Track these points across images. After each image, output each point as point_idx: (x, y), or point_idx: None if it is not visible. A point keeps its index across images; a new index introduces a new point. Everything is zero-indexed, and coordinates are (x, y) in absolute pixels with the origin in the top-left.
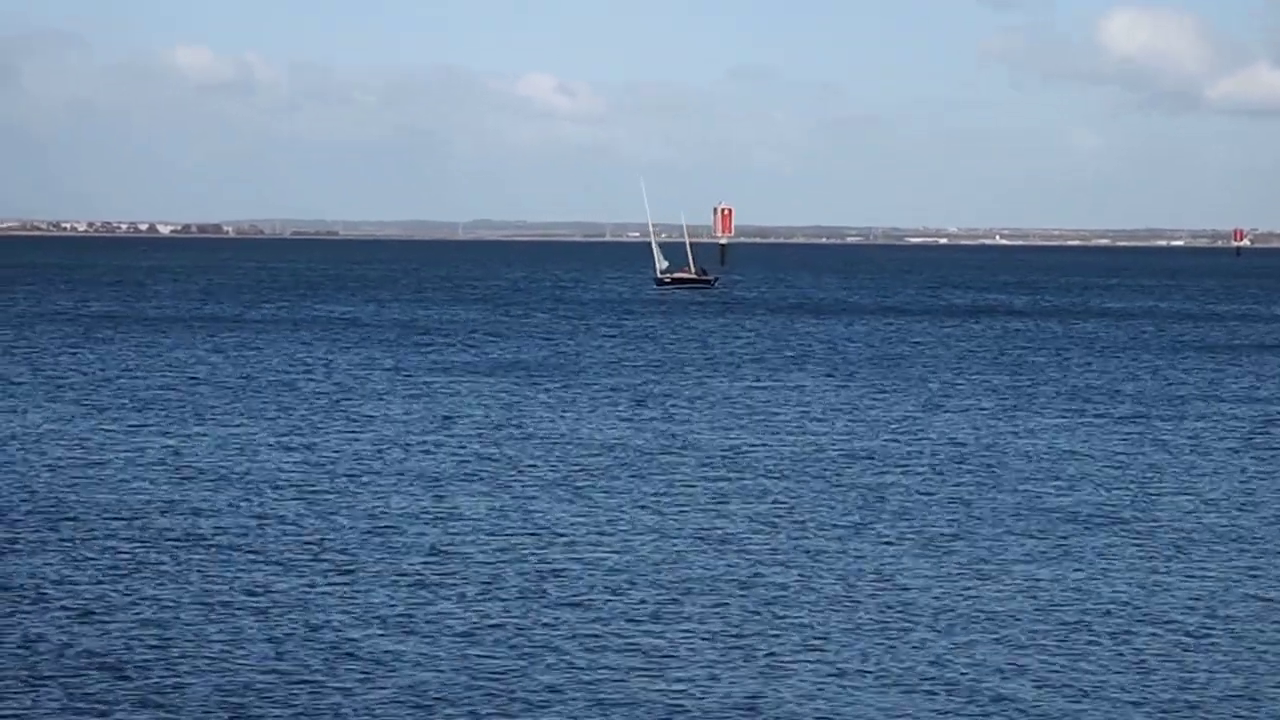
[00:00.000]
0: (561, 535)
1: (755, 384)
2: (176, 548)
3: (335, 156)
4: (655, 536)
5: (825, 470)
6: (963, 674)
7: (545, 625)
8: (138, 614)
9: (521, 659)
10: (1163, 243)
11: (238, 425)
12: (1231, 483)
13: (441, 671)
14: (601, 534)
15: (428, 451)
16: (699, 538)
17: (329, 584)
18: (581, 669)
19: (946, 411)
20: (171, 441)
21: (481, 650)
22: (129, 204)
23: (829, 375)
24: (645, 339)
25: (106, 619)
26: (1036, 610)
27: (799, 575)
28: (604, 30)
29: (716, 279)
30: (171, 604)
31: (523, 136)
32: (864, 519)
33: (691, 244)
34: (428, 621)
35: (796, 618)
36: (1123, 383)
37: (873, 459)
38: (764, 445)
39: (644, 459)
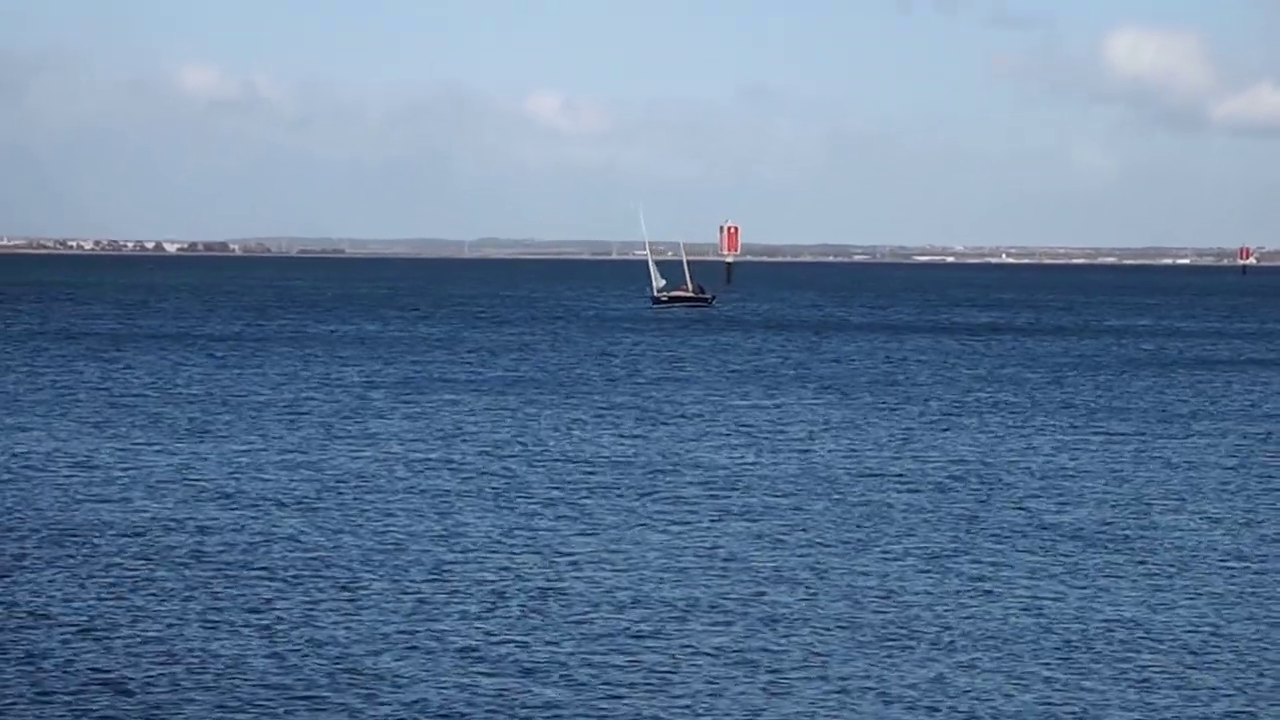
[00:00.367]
0: (563, 553)
1: (756, 401)
2: (180, 565)
3: (342, 175)
4: (656, 554)
5: (827, 488)
6: (964, 692)
7: (547, 643)
8: (142, 631)
9: (524, 676)
10: (1169, 261)
11: (241, 443)
12: (1234, 500)
13: (444, 689)
14: (603, 551)
15: (429, 469)
16: (700, 555)
17: (332, 601)
18: (584, 686)
19: (948, 429)
20: (176, 459)
21: (484, 668)
22: (135, 222)
23: (830, 393)
24: (640, 357)
25: (110, 636)
26: (1038, 628)
27: (801, 593)
28: (610, 48)
29: (714, 297)
30: (175, 621)
31: (529, 155)
32: (866, 536)
33: (689, 262)
34: (430, 639)
35: (799, 636)
36: (1125, 400)
37: (874, 476)
38: (765, 463)
39: (645, 476)
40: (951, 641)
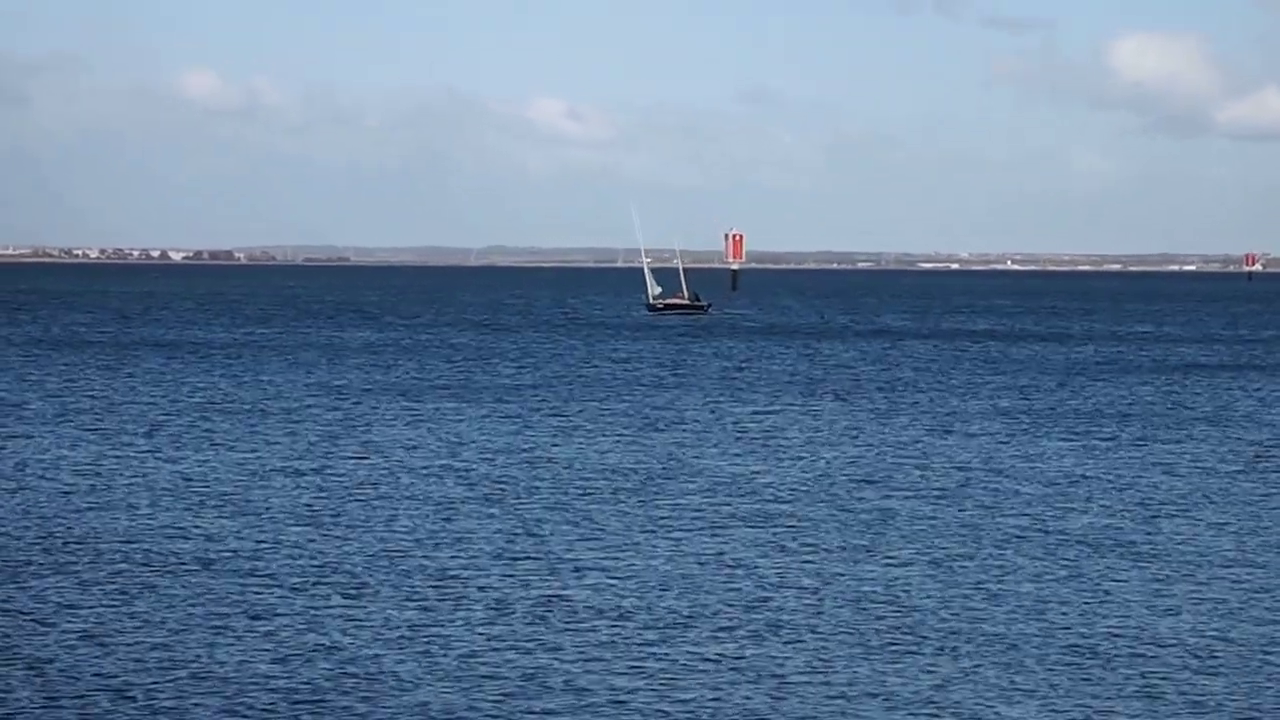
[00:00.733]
0: (566, 559)
1: (757, 408)
2: (184, 571)
3: (346, 182)
4: (659, 560)
5: (830, 494)
6: (968, 697)
7: (551, 648)
8: (145, 638)
9: (527, 681)
10: (1174, 267)
11: (245, 449)
12: (1238, 505)
13: (447, 694)
14: (606, 558)
15: (430, 476)
16: (704, 562)
17: (335, 608)
18: (587, 693)
19: (953, 434)
20: (179, 465)
21: (487, 672)
22: (140, 231)
23: (835, 399)
24: (638, 364)
25: (114, 642)
26: (1043, 634)
27: (805, 599)
28: (613, 54)
29: (710, 305)
30: (179, 628)
31: (532, 161)
32: (869, 542)
33: (687, 270)
34: (433, 646)
35: (803, 642)
36: (1129, 405)
37: (879, 482)
38: (767, 469)
39: (647, 483)
40: (956, 647)
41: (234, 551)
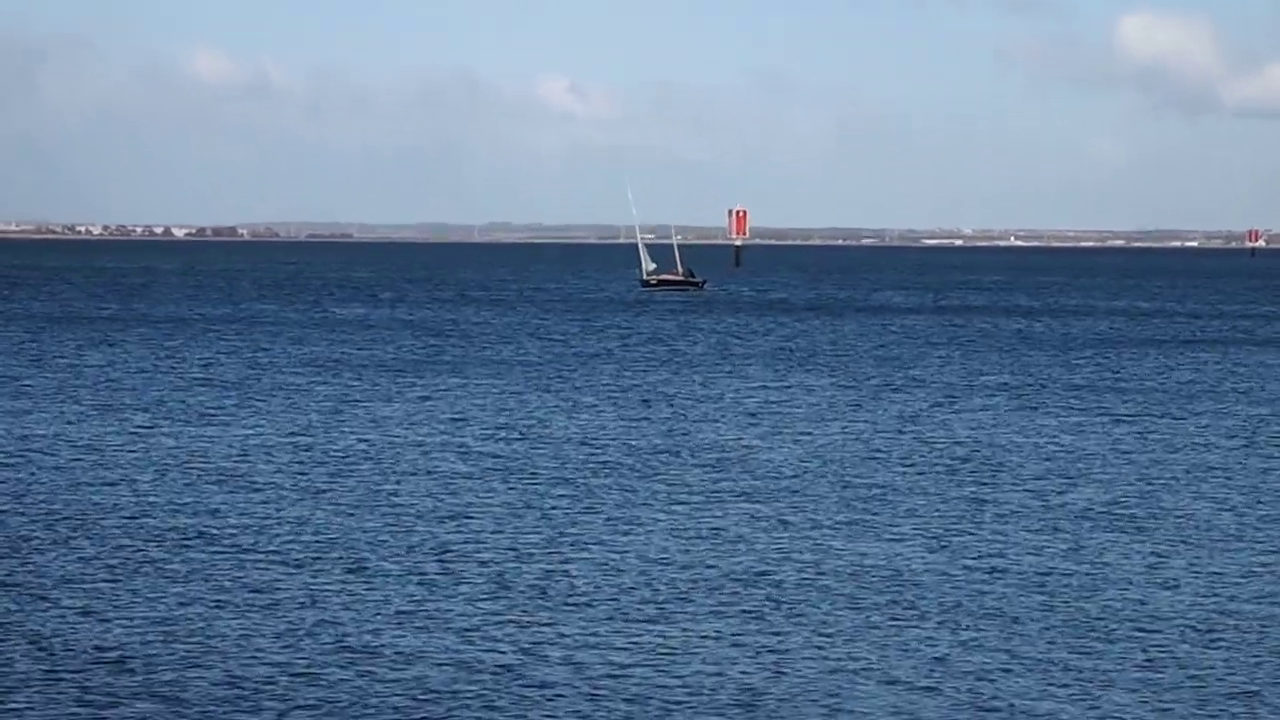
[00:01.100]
0: (566, 534)
1: (757, 383)
2: (183, 546)
3: (350, 160)
4: (659, 535)
5: (830, 469)
6: (969, 671)
7: (551, 622)
8: (145, 612)
9: (528, 655)
10: (1178, 244)
11: (246, 425)
12: (1239, 479)
13: (447, 669)
14: (605, 533)
15: (429, 451)
16: (703, 536)
17: (336, 582)
18: (586, 666)
19: (953, 409)
20: (180, 441)
21: (486, 647)
22: (144, 207)
23: (835, 374)
24: (632, 339)
25: (114, 616)
26: (1042, 608)
27: (804, 573)
28: (618, 33)
29: (705, 281)
30: (180, 602)
31: (538, 139)
32: (869, 517)
33: (685, 245)
34: (433, 619)
35: (802, 616)
36: (1130, 380)
37: (879, 457)
38: (767, 444)
39: (646, 458)
40: (956, 621)
41: (233, 527)
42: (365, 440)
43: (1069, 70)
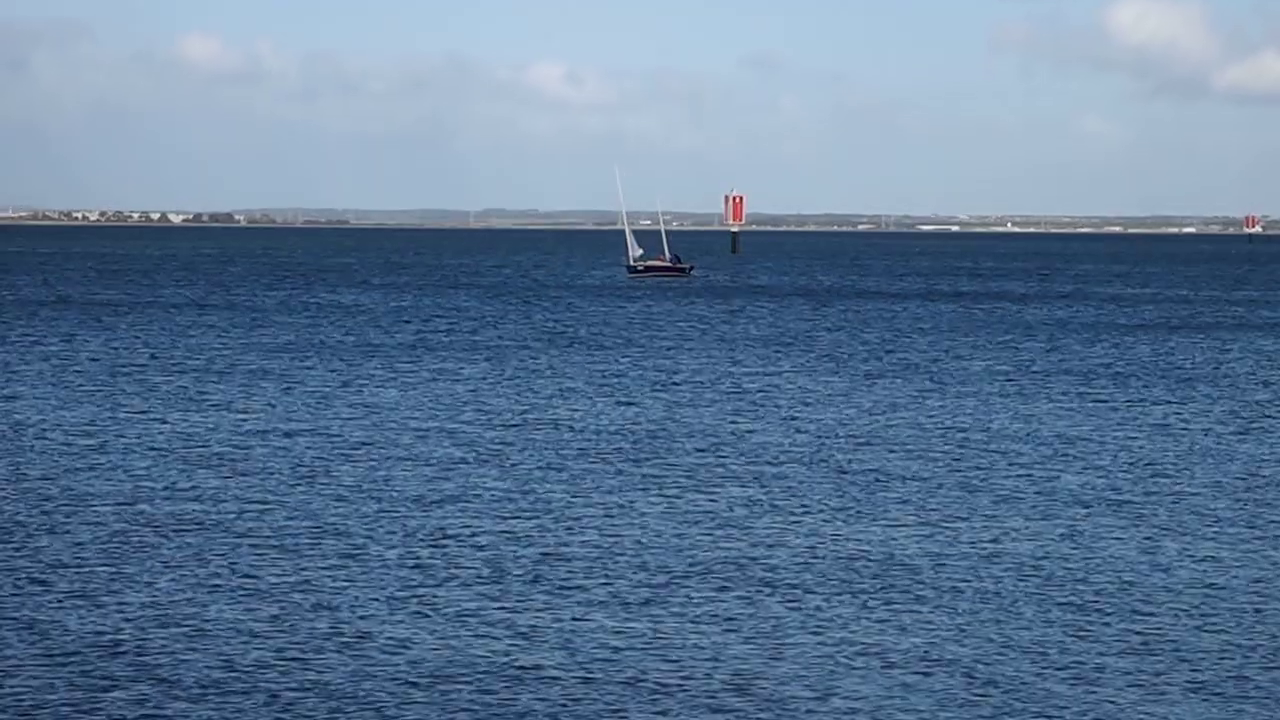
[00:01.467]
0: (560, 518)
1: (750, 367)
2: (178, 530)
3: (346, 146)
4: (653, 519)
5: (826, 453)
6: (963, 654)
7: (545, 607)
8: (139, 596)
9: (521, 639)
10: (1174, 230)
11: (239, 410)
12: (1236, 464)
13: (440, 653)
14: (599, 517)
15: (422, 435)
16: (698, 520)
17: (330, 566)
18: (580, 651)
19: (947, 394)
20: (175, 426)
21: (480, 631)
22: (140, 193)
23: (829, 359)
24: (619, 324)
25: (108, 600)
26: (1038, 591)
27: (799, 556)
28: (612, 19)
29: (692, 267)
30: (174, 586)
31: (533, 125)
32: (863, 501)
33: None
34: (427, 603)
35: (797, 599)
36: (1126, 365)
37: (874, 441)
38: (762, 428)
39: (644, 442)
40: (951, 605)
41: (228, 512)
42: (358, 425)
43: (1061, 55)
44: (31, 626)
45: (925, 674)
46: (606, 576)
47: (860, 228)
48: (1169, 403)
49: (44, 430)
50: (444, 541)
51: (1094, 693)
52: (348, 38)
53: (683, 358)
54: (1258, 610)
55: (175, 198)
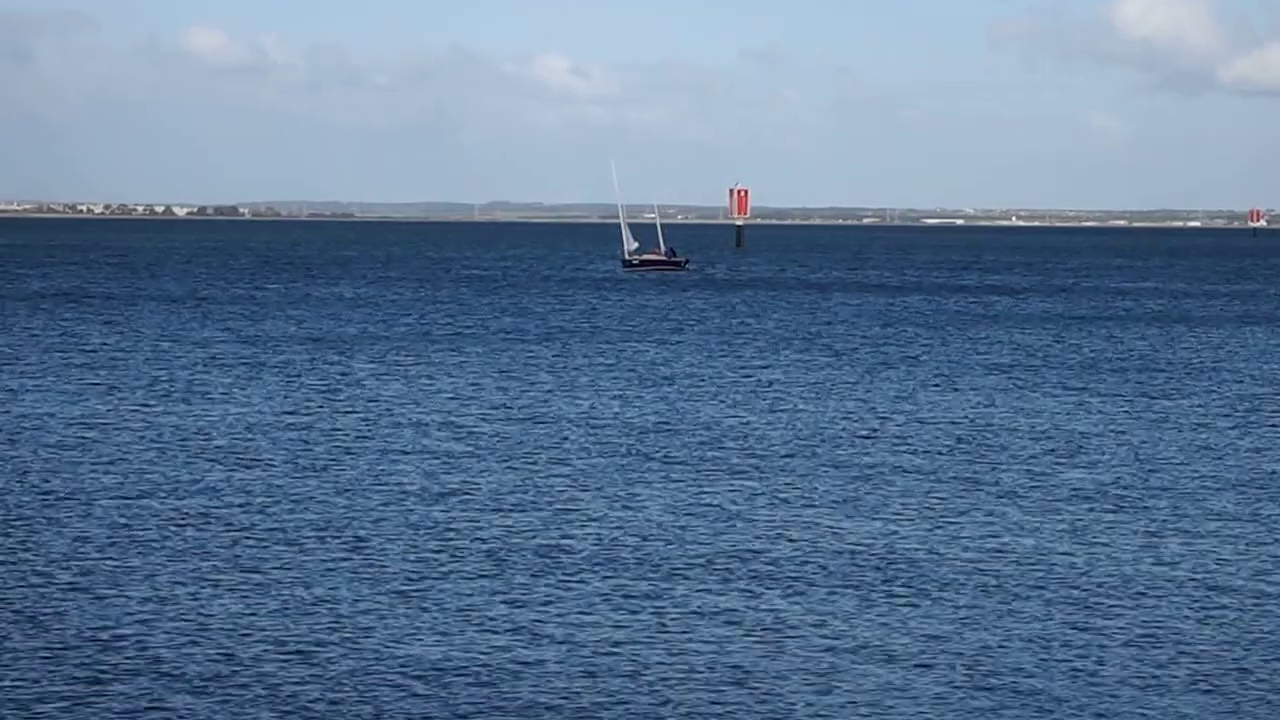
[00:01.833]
0: (562, 512)
1: (751, 361)
2: (181, 524)
3: (351, 139)
4: (655, 513)
5: (828, 446)
6: (966, 648)
7: (547, 599)
8: (141, 589)
9: (524, 632)
10: (1179, 223)
11: (242, 403)
12: (1237, 458)
13: (442, 648)
14: (601, 511)
15: (424, 429)
16: (700, 514)
17: (331, 560)
18: (582, 645)
19: (949, 388)
20: (177, 419)
21: (483, 625)
22: (145, 186)
23: (832, 353)
24: (616, 317)
25: (109, 594)
26: (1039, 585)
27: (801, 550)
28: (617, 11)
29: (687, 260)
30: (175, 579)
31: (538, 118)
32: (865, 495)
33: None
34: (428, 597)
35: (799, 592)
36: (1128, 359)
37: (876, 435)
38: (763, 422)
39: (646, 435)
40: (953, 598)
41: (229, 504)
42: (359, 419)
43: (1067, 49)
44: (33, 619)
45: (926, 667)
46: (608, 570)
47: (865, 221)
48: (1171, 396)
49: (46, 422)
50: (447, 534)
51: (1096, 686)
52: (353, 30)
53: (683, 351)
54: (1258, 604)
55: (180, 191)
